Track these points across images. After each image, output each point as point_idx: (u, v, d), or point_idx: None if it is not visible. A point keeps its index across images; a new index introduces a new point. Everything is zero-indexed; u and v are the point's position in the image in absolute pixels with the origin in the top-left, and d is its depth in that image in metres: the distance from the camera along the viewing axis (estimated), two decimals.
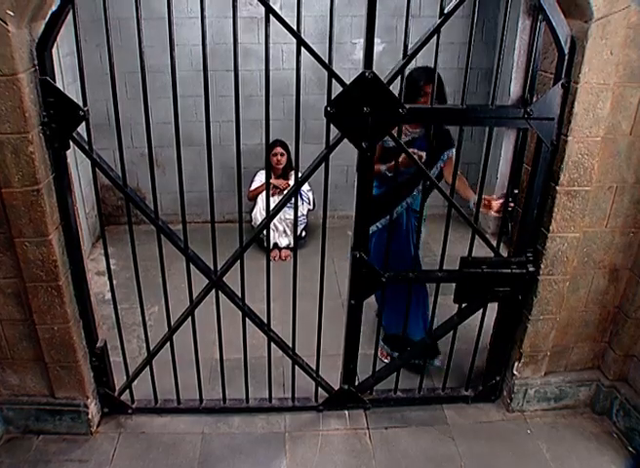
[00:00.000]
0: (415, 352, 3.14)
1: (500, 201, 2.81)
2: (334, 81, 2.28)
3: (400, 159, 2.62)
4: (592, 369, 3.05)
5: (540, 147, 2.46)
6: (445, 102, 2.90)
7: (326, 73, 2.27)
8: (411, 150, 2.58)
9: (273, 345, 2.86)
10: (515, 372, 2.94)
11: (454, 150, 2.89)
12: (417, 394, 3.08)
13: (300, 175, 2.53)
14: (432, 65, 2.36)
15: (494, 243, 2.69)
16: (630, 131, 2.45)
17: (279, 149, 4.70)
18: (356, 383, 3.02)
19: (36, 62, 2.19)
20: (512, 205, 2.75)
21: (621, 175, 2.54)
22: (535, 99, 2.40)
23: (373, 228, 3.13)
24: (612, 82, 2.30)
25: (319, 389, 3.03)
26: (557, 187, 2.48)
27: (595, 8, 2.13)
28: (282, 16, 2.15)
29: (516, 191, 2.77)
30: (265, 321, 2.80)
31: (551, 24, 2.21)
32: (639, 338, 2.83)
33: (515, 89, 2.55)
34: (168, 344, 2.81)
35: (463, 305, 2.83)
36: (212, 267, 2.66)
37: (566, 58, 2.25)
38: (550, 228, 2.56)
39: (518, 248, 2.70)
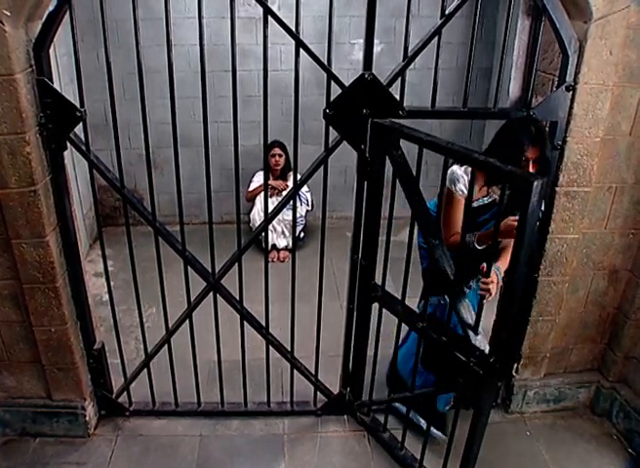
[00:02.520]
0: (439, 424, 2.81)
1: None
2: (332, 83, 2.27)
3: (503, 225, 2.15)
4: (592, 370, 3.04)
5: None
6: (547, 168, 2.33)
7: (325, 74, 2.26)
8: (514, 218, 2.13)
9: (272, 348, 2.85)
10: (514, 374, 2.93)
11: None
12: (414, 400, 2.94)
13: (298, 176, 2.52)
14: (433, 67, 2.33)
15: None
16: (630, 131, 2.44)
17: (277, 150, 4.69)
18: (363, 393, 2.97)
19: (33, 63, 2.18)
20: None
21: (621, 176, 2.54)
22: (534, 100, 2.39)
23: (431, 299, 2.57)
24: (611, 82, 2.30)
25: (318, 393, 3.01)
26: (556, 188, 2.48)
27: (595, 8, 2.13)
28: (280, 16, 2.14)
29: None
30: (264, 323, 2.79)
31: (555, 26, 2.20)
32: (639, 340, 2.82)
33: (514, 89, 2.55)
34: (166, 346, 2.80)
35: None
36: (210, 269, 2.64)
37: (570, 59, 2.24)
38: (549, 229, 2.55)
39: None
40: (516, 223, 1.97)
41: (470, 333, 2.11)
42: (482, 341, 2.09)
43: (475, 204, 2.46)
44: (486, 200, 2.53)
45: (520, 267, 1.82)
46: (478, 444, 2.19)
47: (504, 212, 2.06)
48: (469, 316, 2.21)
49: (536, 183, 1.65)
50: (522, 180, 1.72)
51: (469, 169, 2.32)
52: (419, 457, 2.60)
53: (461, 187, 2.46)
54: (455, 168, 2.48)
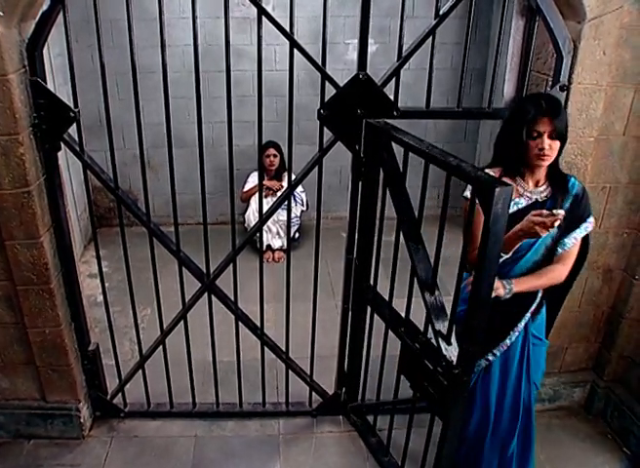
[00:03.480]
0: None
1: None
2: (327, 83, 2.27)
3: (524, 224, 1.89)
4: (587, 370, 3.04)
5: None
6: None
7: (319, 74, 2.26)
8: (536, 212, 1.87)
9: (267, 348, 2.85)
10: None
11: (592, 219, 2.14)
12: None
13: (293, 176, 2.52)
14: (426, 67, 2.33)
15: None
16: (624, 131, 2.45)
17: (272, 151, 4.68)
18: (359, 393, 2.97)
19: (26, 63, 2.17)
20: None
21: (615, 176, 2.54)
22: None
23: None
24: (605, 82, 2.30)
25: (313, 393, 3.01)
26: None
27: (588, 8, 2.13)
28: (275, 16, 2.13)
29: None
30: (259, 324, 2.79)
31: (549, 26, 2.20)
32: (633, 339, 2.83)
33: (508, 89, 2.55)
34: (161, 347, 2.80)
35: None
36: (204, 270, 2.64)
37: (564, 60, 2.24)
38: None
39: None
40: (539, 218, 1.82)
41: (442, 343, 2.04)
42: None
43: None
44: (522, 202, 2.10)
45: (485, 279, 1.76)
46: (448, 453, 2.15)
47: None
48: None
49: (498, 190, 1.57)
50: (484, 186, 1.64)
51: (493, 171, 2.12)
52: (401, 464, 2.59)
53: None
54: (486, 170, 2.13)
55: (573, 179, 2.13)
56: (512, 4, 2.38)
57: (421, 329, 2.19)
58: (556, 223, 1.81)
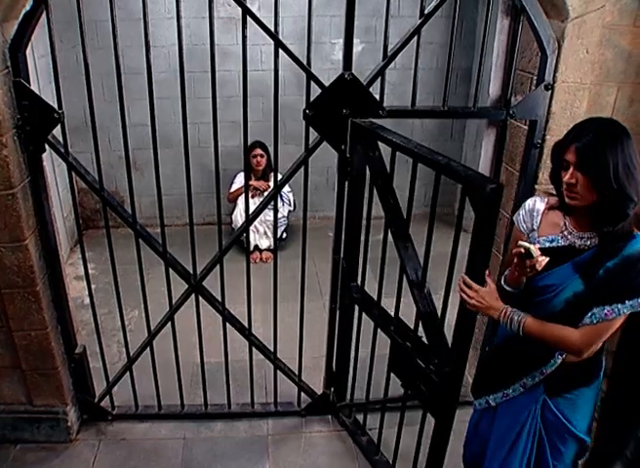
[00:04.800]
0: None
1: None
2: (313, 83, 2.27)
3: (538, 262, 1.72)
4: None
5: (527, 149, 2.45)
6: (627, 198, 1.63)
7: (305, 74, 2.26)
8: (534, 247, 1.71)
9: (255, 349, 2.84)
10: None
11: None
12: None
13: (279, 176, 2.52)
14: (412, 67, 2.33)
15: None
16: None
17: (259, 151, 4.67)
18: (347, 393, 2.97)
19: (9, 64, 2.15)
20: None
21: None
22: (514, 99, 2.41)
23: (475, 404, 2.17)
24: (588, 81, 2.32)
25: (302, 393, 3.01)
26: (536, 186, 2.49)
27: (571, 8, 2.14)
28: (261, 16, 2.13)
29: None
30: (247, 325, 2.78)
31: (533, 25, 2.22)
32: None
33: (494, 88, 2.56)
34: (148, 349, 2.78)
35: None
36: (191, 271, 2.63)
37: (548, 58, 2.26)
38: None
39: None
40: (522, 250, 1.70)
41: None
42: None
43: (542, 242, 1.84)
44: (560, 241, 1.82)
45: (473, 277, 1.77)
46: (440, 451, 2.16)
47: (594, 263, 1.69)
48: None
49: (489, 189, 1.56)
50: (475, 184, 1.62)
51: (547, 199, 1.88)
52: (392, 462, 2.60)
53: (520, 216, 1.95)
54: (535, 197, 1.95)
55: (635, 246, 1.66)
56: (497, 3, 2.40)
57: (412, 327, 2.20)
58: (537, 266, 1.70)
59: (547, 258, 1.72)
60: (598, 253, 1.71)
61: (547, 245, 1.82)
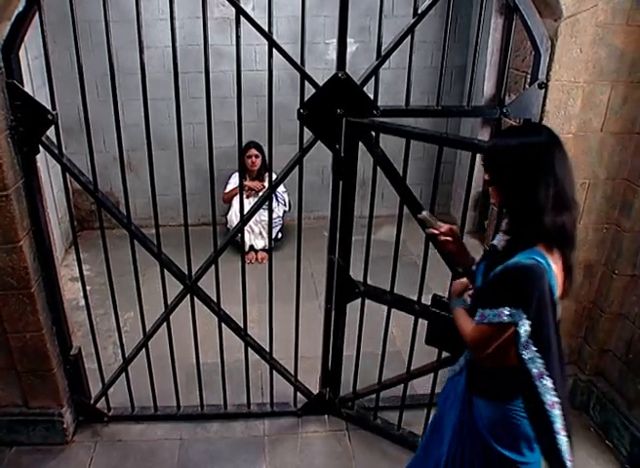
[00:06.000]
0: None
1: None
2: (307, 83, 2.27)
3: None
4: (569, 364, 3.06)
5: None
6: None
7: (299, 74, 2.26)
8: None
9: (251, 349, 2.84)
10: None
11: (518, 317, 1.59)
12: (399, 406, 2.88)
13: (274, 176, 2.51)
14: (406, 66, 2.33)
15: None
16: (601, 128, 2.48)
17: (253, 151, 4.67)
18: (340, 392, 2.99)
19: (2, 65, 2.14)
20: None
21: (593, 172, 2.57)
22: (508, 98, 2.42)
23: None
24: (582, 80, 2.33)
25: (298, 393, 3.01)
26: None
27: (564, 7, 2.15)
28: (254, 16, 2.13)
29: None
30: (242, 325, 2.78)
31: (527, 24, 2.22)
32: (614, 333, 2.86)
33: (488, 87, 2.57)
34: (144, 350, 2.78)
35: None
36: (186, 272, 2.63)
37: (542, 57, 2.26)
38: None
39: None
40: (435, 231, 1.91)
41: None
42: None
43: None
44: (496, 240, 1.81)
45: None
46: None
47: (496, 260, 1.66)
48: None
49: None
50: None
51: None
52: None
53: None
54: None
55: (521, 258, 1.58)
56: (491, 2, 2.40)
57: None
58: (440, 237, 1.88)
59: (449, 238, 1.89)
60: (496, 258, 1.68)
61: (494, 242, 1.80)
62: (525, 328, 1.59)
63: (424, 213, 1.97)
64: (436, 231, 1.91)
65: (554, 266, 1.60)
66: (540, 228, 1.57)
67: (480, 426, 1.83)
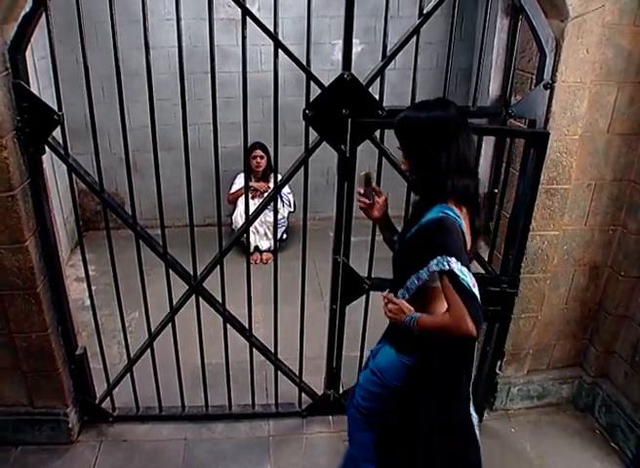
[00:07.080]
0: None
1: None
2: (313, 83, 2.27)
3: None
4: (574, 366, 3.06)
5: (527, 149, 2.45)
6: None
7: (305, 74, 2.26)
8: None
9: (255, 350, 2.84)
10: (498, 371, 2.94)
11: (446, 262, 1.67)
12: None
13: (279, 177, 2.52)
14: (412, 67, 2.34)
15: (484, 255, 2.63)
16: (607, 128, 2.47)
17: (259, 152, 4.68)
18: (341, 390, 2.98)
19: (9, 66, 2.15)
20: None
21: (600, 173, 2.56)
22: (513, 99, 2.41)
23: None
24: (588, 80, 2.32)
25: (303, 394, 3.00)
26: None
27: (571, 7, 2.15)
28: (260, 17, 2.13)
29: (496, 190, 2.77)
30: (247, 326, 2.78)
31: (532, 25, 2.22)
32: (619, 335, 2.85)
33: (494, 88, 2.56)
34: (149, 351, 2.78)
35: None
36: (192, 272, 2.63)
37: (547, 58, 2.26)
38: (530, 226, 2.57)
39: (506, 257, 2.67)
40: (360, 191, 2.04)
41: None
42: None
43: None
44: None
45: None
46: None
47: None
48: None
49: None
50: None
51: None
52: None
53: None
54: None
55: (432, 214, 1.75)
56: (497, 3, 2.40)
57: None
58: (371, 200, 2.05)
59: (366, 200, 2.05)
60: (409, 221, 1.91)
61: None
62: (458, 266, 1.66)
63: (368, 172, 2.04)
64: (361, 191, 2.06)
65: (463, 222, 1.77)
66: (444, 188, 1.75)
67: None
